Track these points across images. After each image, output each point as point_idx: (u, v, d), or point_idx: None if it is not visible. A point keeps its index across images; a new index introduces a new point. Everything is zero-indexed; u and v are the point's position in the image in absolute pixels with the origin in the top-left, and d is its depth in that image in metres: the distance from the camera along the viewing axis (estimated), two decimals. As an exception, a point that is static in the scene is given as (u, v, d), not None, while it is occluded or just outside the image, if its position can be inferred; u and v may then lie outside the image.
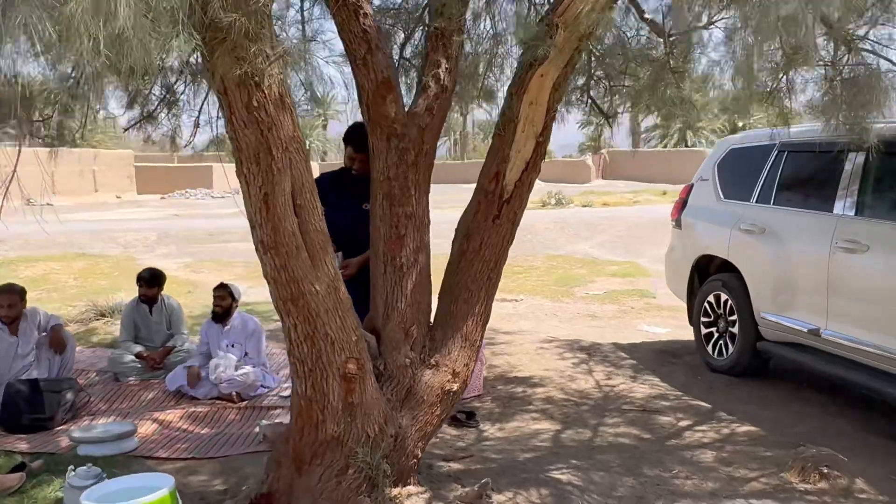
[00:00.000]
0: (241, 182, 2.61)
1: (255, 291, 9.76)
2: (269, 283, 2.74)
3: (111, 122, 5.48)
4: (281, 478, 3.07)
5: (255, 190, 2.57)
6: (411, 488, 3.12)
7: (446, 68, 3.23)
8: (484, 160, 3.25)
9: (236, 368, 5.24)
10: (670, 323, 7.52)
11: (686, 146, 47.73)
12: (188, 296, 9.36)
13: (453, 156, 54.71)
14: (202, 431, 4.53)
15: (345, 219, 3.93)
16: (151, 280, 5.73)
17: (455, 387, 3.19)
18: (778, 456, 3.92)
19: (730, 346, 5.49)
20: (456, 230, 3.32)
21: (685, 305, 6.60)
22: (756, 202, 5.34)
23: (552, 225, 16.72)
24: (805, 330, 4.69)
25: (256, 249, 2.71)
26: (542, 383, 5.36)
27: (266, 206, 2.58)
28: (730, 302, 5.47)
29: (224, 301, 5.40)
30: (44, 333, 5.19)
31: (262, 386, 5.31)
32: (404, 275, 3.15)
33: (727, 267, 5.57)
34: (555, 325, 7.65)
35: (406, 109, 3.20)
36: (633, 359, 6.03)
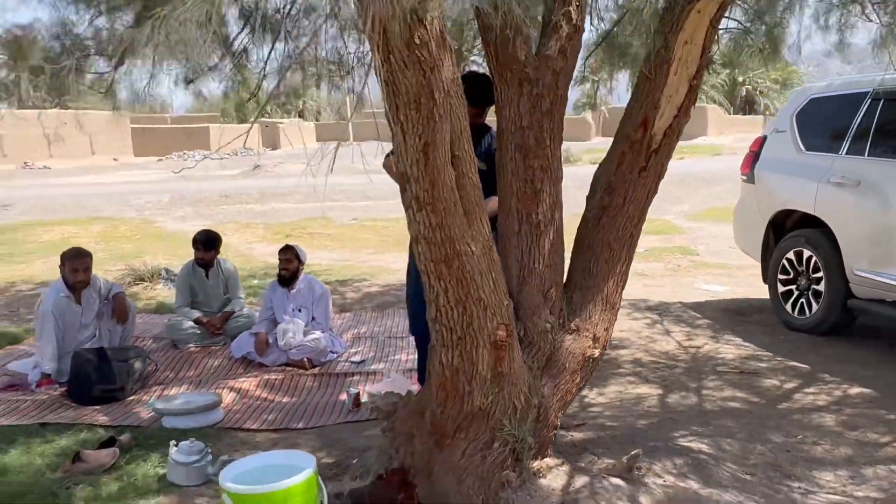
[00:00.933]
0: (395, 132, 2.33)
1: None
2: (418, 243, 2.49)
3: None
4: (416, 452, 2.86)
5: (414, 140, 2.30)
6: (549, 461, 2.93)
7: (577, 5, 2.94)
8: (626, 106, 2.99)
9: (305, 334, 5.01)
10: (726, 281, 7.33)
11: (686, 102, 47.21)
12: (219, 259, 9.06)
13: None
14: (283, 400, 4.31)
15: None
16: (208, 243, 5.45)
17: (596, 353, 2.97)
18: (902, 419, 3.75)
19: (813, 304, 5.30)
20: (593, 183, 3.07)
21: (751, 262, 6.42)
22: (847, 153, 5.09)
23: (571, 182, 16.43)
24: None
25: (407, 207, 2.44)
26: (623, 345, 5.16)
27: (426, 158, 2.31)
28: (814, 258, 5.26)
29: (291, 264, 5.14)
30: (104, 301, 4.94)
31: (331, 351, 5.09)
32: (541, 233, 2.90)
33: (810, 222, 5.34)
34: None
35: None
36: (705, 318, 5.84)
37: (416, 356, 4.23)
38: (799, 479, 3.16)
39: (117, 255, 9.29)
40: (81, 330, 4.81)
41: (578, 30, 2.96)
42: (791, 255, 5.49)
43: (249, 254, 9.63)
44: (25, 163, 26.26)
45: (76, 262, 4.66)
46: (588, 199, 3.05)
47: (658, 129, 2.87)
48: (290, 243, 5.31)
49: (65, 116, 23.60)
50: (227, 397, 4.30)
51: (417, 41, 2.19)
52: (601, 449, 3.27)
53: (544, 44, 2.96)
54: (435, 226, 2.41)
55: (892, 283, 4.65)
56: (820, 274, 5.20)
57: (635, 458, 2.87)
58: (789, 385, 4.31)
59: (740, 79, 50.48)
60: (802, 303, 5.40)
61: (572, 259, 3.06)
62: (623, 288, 3.06)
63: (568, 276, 3.06)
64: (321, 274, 8.05)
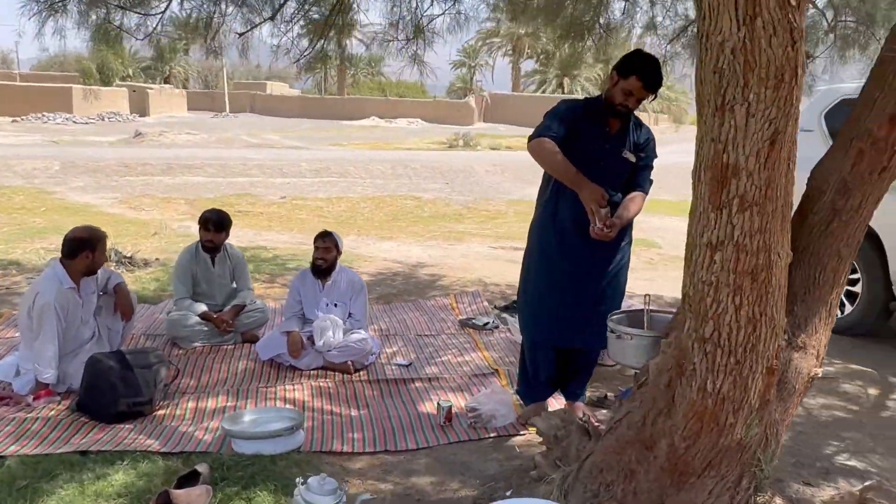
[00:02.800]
0: (727, 114, 1.88)
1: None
2: (718, 250, 2.05)
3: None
4: (640, 491, 2.43)
5: (761, 125, 1.87)
6: (773, 496, 2.60)
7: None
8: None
9: (344, 332, 4.40)
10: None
11: (563, 93, 48.60)
12: (156, 240, 8.06)
13: (330, 91, 52.59)
14: (354, 414, 3.71)
15: (599, 167, 3.23)
16: (220, 223, 4.67)
17: (820, 371, 2.67)
18: None
19: (846, 305, 5.32)
20: (816, 183, 2.74)
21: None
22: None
23: (491, 167, 16.29)
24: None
25: (719, 207, 2.00)
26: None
27: (771, 148, 1.89)
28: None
29: (329, 253, 4.49)
30: (100, 293, 4.08)
31: (370, 353, 4.50)
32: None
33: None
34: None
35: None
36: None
37: (519, 368, 3.75)
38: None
39: (31, 232, 8.02)
40: (82, 329, 3.95)
41: None
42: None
43: (189, 233, 8.63)
44: None
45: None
46: (809, 201, 2.72)
47: (904, 126, 2.58)
48: (328, 229, 4.63)
49: None
50: (286, 411, 3.65)
51: (794, 2, 1.76)
52: (802, 476, 2.99)
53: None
54: (755, 231, 1.99)
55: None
56: (856, 275, 5.22)
57: (869, 490, 2.60)
58: (873, 391, 4.25)
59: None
60: (832, 303, 5.40)
61: (791, 266, 2.73)
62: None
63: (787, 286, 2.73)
64: (280, 257, 7.34)
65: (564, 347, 3.51)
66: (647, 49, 5.46)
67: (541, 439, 3.33)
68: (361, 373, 4.32)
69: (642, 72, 3.14)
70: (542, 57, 49.51)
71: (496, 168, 16.15)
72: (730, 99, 1.88)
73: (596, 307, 3.46)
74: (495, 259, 7.75)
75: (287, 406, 3.70)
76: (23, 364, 3.86)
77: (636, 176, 3.37)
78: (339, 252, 4.54)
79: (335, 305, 4.52)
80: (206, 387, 4.01)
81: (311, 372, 4.28)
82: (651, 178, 3.46)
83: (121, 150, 17.18)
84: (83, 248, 3.79)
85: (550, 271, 3.39)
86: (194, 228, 8.95)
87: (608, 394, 3.94)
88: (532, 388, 3.57)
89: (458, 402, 3.80)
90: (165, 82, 49.71)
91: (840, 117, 5.52)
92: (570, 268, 3.37)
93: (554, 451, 2.86)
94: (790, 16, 1.77)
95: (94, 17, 4.50)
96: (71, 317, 3.83)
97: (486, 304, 5.77)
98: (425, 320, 5.42)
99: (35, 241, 7.49)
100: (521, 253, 3.67)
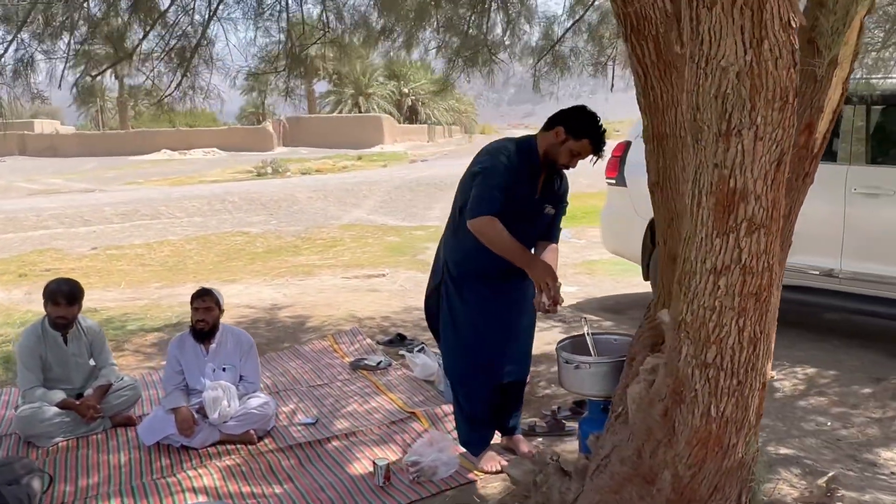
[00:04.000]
0: (732, 139, 1.84)
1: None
2: (723, 275, 2.01)
3: None
4: (644, 528, 2.35)
5: (769, 146, 1.84)
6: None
7: None
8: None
9: (239, 398, 3.95)
10: (576, 281, 7.60)
11: (360, 112, 48.85)
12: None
13: (111, 125, 48.87)
14: (281, 491, 3.30)
15: (525, 226, 3.13)
16: (72, 296, 4.00)
17: (774, 374, 2.75)
18: (878, 391, 4.17)
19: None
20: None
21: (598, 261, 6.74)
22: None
23: (312, 194, 15.86)
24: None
25: (725, 232, 1.96)
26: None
27: (777, 170, 1.88)
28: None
29: (211, 313, 4.01)
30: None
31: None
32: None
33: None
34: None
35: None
36: (606, 320, 5.95)
37: (456, 415, 3.52)
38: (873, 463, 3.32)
39: None
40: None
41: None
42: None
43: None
44: None
45: None
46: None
47: (819, 133, 2.74)
48: (206, 286, 4.13)
49: None
50: (199, 504, 3.18)
51: (793, 24, 1.76)
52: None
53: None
54: (761, 252, 1.98)
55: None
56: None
57: (832, 481, 2.71)
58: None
59: (405, 89, 53.84)
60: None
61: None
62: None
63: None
64: (116, 319, 6.56)
65: (503, 382, 3.37)
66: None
67: (496, 482, 3.19)
68: (266, 441, 3.89)
69: (595, 136, 3.08)
70: (334, 77, 49.48)
71: (317, 194, 15.75)
72: (736, 123, 1.85)
73: (526, 338, 3.42)
74: (354, 290, 7.47)
75: (200, 499, 3.22)
76: None
77: (551, 227, 3.33)
78: (221, 310, 4.07)
79: (223, 370, 4.05)
80: (89, 491, 3.39)
81: (209, 449, 3.80)
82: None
83: None
84: None
85: (484, 308, 3.25)
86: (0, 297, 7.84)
87: (536, 421, 3.87)
88: (477, 431, 3.39)
89: (387, 456, 3.54)
90: None
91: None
92: (502, 303, 3.27)
93: (533, 497, 2.71)
94: (791, 37, 1.78)
95: None
96: None
97: (368, 341, 5.50)
98: (310, 369, 5.04)
99: None
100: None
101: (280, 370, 5.03)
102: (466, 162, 3.29)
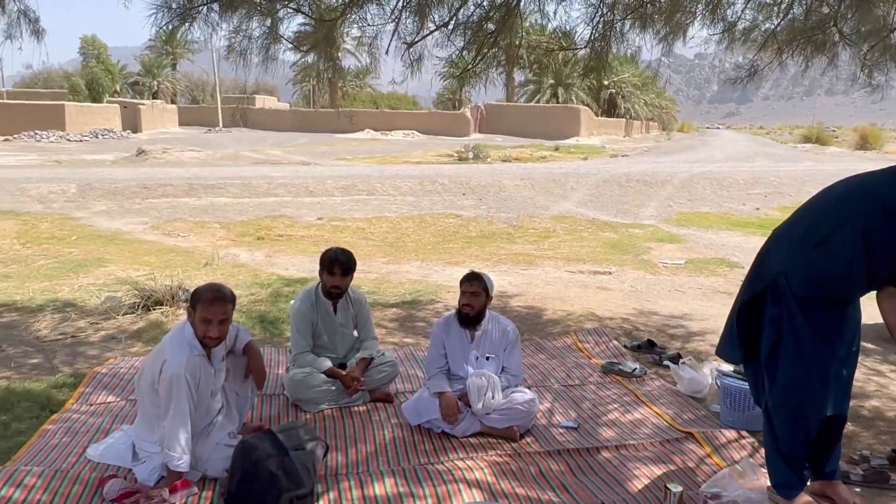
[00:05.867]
0: None
1: (282, 261, 7.97)
2: None
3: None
4: None
5: None
6: None
7: None
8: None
9: (502, 391, 3.76)
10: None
11: (558, 102, 48.24)
12: (209, 271, 7.36)
13: (322, 103, 52.05)
14: (559, 501, 3.06)
15: None
16: (347, 266, 4.00)
17: None
18: None
19: None
20: None
21: None
22: None
23: (520, 182, 15.70)
24: None
25: None
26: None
27: None
28: None
29: (478, 298, 3.84)
30: (229, 355, 3.41)
31: (529, 413, 3.85)
32: None
33: None
34: (705, 304, 6.65)
35: None
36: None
37: (769, 450, 3.02)
38: None
39: (70, 265, 7.29)
40: (212, 402, 3.28)
41: None
42: None
43: (238, 262, 7.94)
44: None
45: (214, 309, 3.10)
46: None
47: None
48: (476, 270, 3.98)
49: None
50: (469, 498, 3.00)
51: None
52: None
53: None
54: None
55: None
56: None
57: None
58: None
59: (605, 82, 52.44)
60: None
61: None
62: None
63: None
64: (368, 289, 6.61)
65: (825, 416, 2.88)
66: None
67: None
68: (529, 440, 3.68)
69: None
70: (535, 67, 49.30)
71: (524, 182, 15.55)
72: None
73: (853, 364, 2.93)
74: (583, 286, 7.13)
75: (474, 492, 3.04)
76: (142, 446, 3.18)
77: None
78: (489, 297, 3.90)
79: (486, 359, 3.88)
80: (360, 464, 3.35)
81: (471, 440, 3.64)
82: None
83: (131, 171, 16.41)
84: (192, 306, 3.13)
85: (836, 336, 2.83)
86: (243, 257, 8.36)
87: (848, 468, 3.32)
88: (795, 472, 2.91)
89: (670, 479, 3.17)
90: (154, 98, 48.88)
91: None
92: (848, 328, 2.84)
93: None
94: None
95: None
96: (202, 389, 3.15)
97: (615, 343, 5.15)
98: (558, 366, 4.78)
99: (79, 276, 6.78)
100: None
101: (526, 363, 4.82)
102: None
